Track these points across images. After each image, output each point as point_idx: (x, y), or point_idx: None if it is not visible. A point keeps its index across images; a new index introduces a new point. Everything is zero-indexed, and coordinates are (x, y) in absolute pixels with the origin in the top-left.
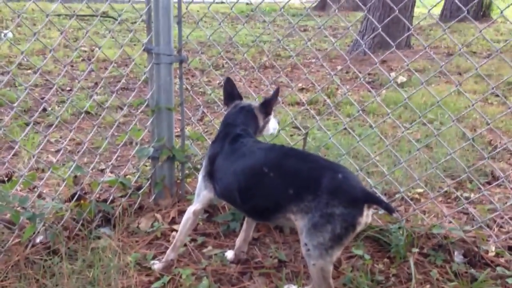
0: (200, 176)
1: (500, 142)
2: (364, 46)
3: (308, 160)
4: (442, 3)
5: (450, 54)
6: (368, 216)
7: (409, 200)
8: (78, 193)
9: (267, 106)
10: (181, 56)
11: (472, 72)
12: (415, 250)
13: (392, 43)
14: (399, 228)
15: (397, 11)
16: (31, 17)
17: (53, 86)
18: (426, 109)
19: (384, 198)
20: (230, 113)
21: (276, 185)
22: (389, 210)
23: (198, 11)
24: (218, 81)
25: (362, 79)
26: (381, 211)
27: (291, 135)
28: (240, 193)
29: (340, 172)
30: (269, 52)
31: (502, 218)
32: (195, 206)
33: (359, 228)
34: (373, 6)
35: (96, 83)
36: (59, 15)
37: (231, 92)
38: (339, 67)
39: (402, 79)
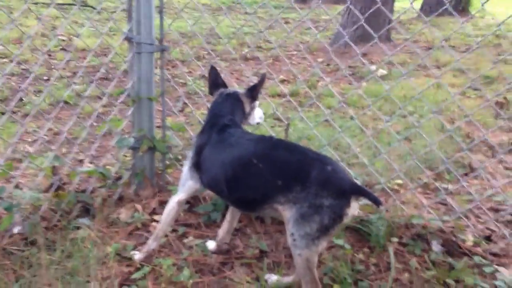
0: (186, 166)
1: (477, 135)
2: (347, 37)
3: (297, 152)
4: None
5: (429, 48)
6: (355, 208)
7: (389, 191)
8: (56, 183)
9: (253, 91)
10: (162, 46)
11: (451, 65)
12: (395, 239)
13: (375, 35)
14: (379, 218)
15: (380, 3)
16: (7, 5)
17: (30, 75)
18: (406, 101)
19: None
20: (217, 101)
21: (264, 176)
22: (376, 202)
23: (179, 1)
24: (199, 72)
25: (344, 71)
26: (362, 202)
27: (272, 126)
28: (227, 184)
29: (329, 164)
30: (250, 43)
31: (479, 208)
32: (179, 196)
33: (346, 220)
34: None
35: (75, 73)
36: (36, 3)
37: (215, 80)
38: (320, 59)
39: (382, 72)
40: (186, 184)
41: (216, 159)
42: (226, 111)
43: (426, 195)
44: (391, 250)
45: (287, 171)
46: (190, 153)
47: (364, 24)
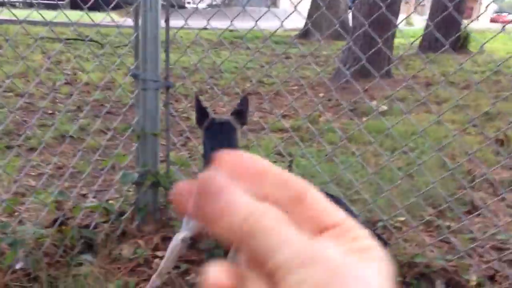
0: None
1: (478, 172)
2: (349, 76)
3: None
4: (421, 33)
5: (429, 84)
6: None
7: (391, 229)
8: (60, 218)
9: (242, 115)
10: (167, 82)
11: (452, 102)
12: (398, 279)
13: (376, 73)
14: None
15: (380, 43)
16: (14, 39)
17: (34, 109)
18: (407, 137)
19: (367, 226)
20: (212, 132)
21: None
22: (383, 242)
23: (181, 36)
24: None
25: (347, 107)
26: None
27: (274, 162)
28: None
29: (333, 202)
30: (253, 78)
31: (482, 247)
32: (184, 233)
33: None
34: (355, 36)
35: (79, 107)
36: (42, 38)
37: (203, 110)
38: (321, 95)
39: (383, 108)
40: (190, 221)
41: None
42: (227, 144)
43: (429, 233)
44: None
45: None
46: None
47: (366, 64)
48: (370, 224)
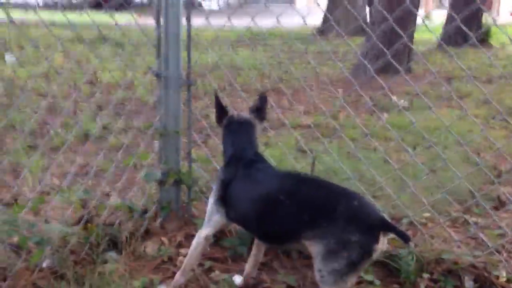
0: (211, 200)
1: (504, 167)
2: (372, 71)
3: (323, 187)
4: (441, 28)
5: (450, 78)
6: (384, 243)
7: (418, 225)
8: (85, 216)
9: (261, 112)
10: (189, 81)
11: (474, 96)
12: (426, 275)
13: (400, 68)
14: (409, 253)
15: (404, 37)
16: (35, 40)
17: (56, 109)
18: (429, 133)
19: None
20: (233, 131)
21: (292, 212)
22: (405, 238)
23: (197, 34)
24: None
25: (368, 102)
26: (390, 236)
27: (295, 158)
28: (255, 219)
29: (355, 199)
30: (272, 75)
31: (511, 243)
32: (206, 230)
33: (375, 256)
34: (375, 32)
35: (100, 106)
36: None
37: (222, 107)
38: (340, 90)
39: (404, 103)
40: (212, 218)
41: (243, 195)
42: (247, 142)
43: (455, 229)
44: (422, 286)
45: (314, 206)
46: (214, 187)
47: (391, 59)
48: (394, 220)
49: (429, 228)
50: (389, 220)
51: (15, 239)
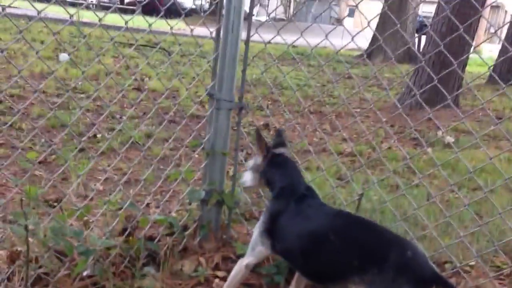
0: (257, 230)
1: None
2: (419, 98)
3: (377, 232)
4: (491, 62)
5: (499, 118)
6: None
7: (463, 274)
8: (129, 229)
9: (286, 147)
10: (241, 104)
11: None
12: None
13: (448, 96)
14: None
15: (455, 65)
16: (86, 42)
17: (103, 112)
18: (476, 174)
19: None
20: (282, 165)
21: (341, 254)
22: None
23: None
24: (262, 122)
25: (415, 135)
26: None
27: (336, 187)
28: (303, 256)
29: (409, 249)
30: (315, 96)
31: None
32: (249, 259)
33: None
34: (423, 62)
35: (145, 113)
36: (118, 42)
37: (265, 143)
38: (384, 119)
39: (449, 139)
40: (256, 248)
41: (293, 229)
42: (298, 176)
43: (500, 281)
44: None
45: (364, 251)
46: (262, 218)
47: (438, 84)
48: (436, 264)
49: (473, 277)
50: (442, 275)
51: (60, 245)
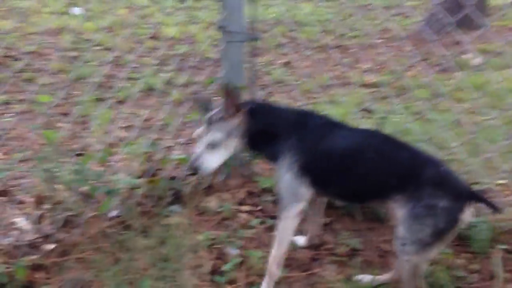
0: (288, 175)
1: None
2: (452, 20)
3: (410, 150)
4: None
5: None
6: (469, 214)
7: (493, 193)
8: (151, 169)
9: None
10: (254, 35)
11: None
12: (501, 246)
13: (487, 22)
14: (482, 222)
15: None
16: None
17: (122, 62)
18: (507, 94)
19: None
20: (275, 109)
21: (380, 171)
22: (495, 208)
23: None
24: (281, 60)
25: (444, 60)
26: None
27: (362, 118)
28: (343, 175)
29: (442, 166)
30: (336, 31)
31: None
32: (295, 209)
33: (460, 225)
34: None
35: (163, 60)
36: None
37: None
38: (408, 48)
39: (478, 60)
40: (298, 192)
41: (330, 151)
42: (299, 109)
43: None
44: (497, 257)
45: (401, 167)
46: (288, 161)
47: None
48: None
49: (505, 196)
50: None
51: (85, 188)
